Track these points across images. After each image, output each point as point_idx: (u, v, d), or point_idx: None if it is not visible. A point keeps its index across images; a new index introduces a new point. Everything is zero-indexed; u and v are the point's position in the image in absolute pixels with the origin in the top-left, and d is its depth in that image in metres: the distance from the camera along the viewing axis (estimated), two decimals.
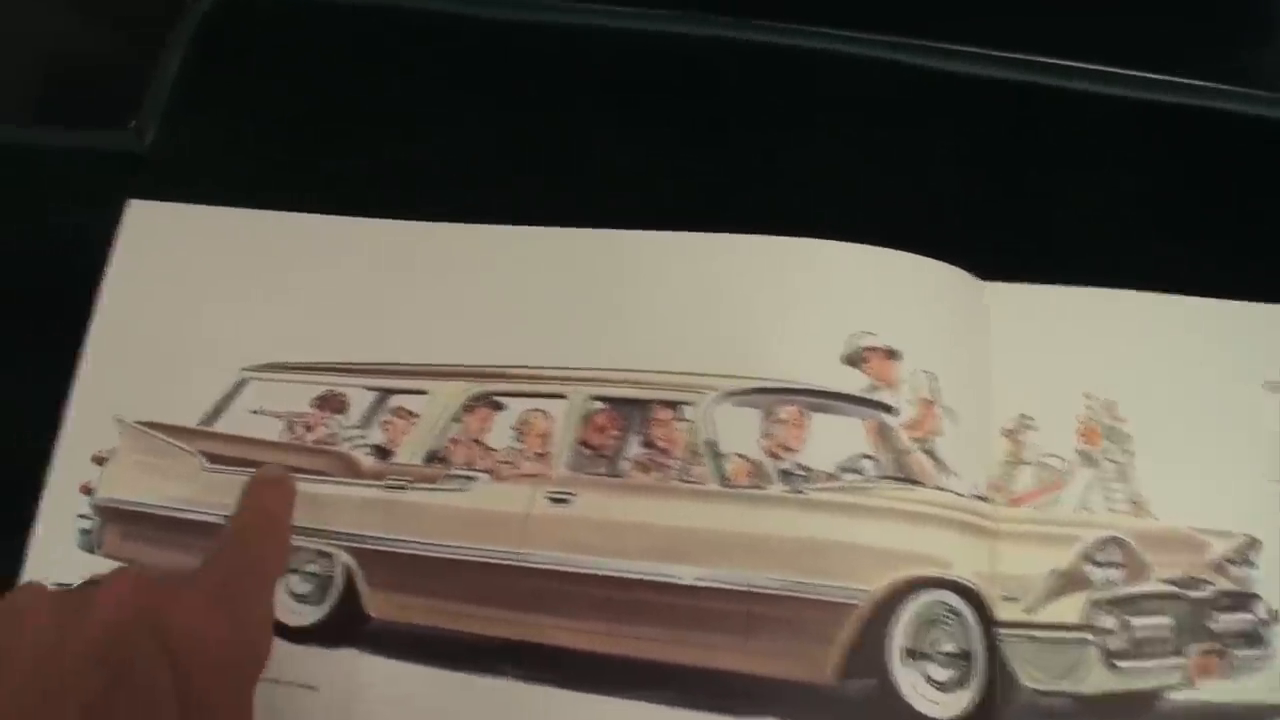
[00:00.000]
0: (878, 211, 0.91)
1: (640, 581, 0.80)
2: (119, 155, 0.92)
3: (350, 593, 0.83)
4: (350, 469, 0.84)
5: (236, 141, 0.93)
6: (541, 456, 0.83)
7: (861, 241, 0.87)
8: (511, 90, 0.94)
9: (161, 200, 0.92)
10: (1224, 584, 0.88)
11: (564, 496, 0.82)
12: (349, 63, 0.95)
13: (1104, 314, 0.89)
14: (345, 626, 0.82)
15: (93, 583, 0.65)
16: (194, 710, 0.62)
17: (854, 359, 0.83)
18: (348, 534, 0.83)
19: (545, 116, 0.93)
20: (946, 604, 0.82)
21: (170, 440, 0.85)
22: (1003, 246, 0.92)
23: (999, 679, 0.81)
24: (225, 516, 0.78)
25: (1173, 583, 0.87)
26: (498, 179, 0.91)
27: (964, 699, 0.81)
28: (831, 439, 0.83)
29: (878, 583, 0.80)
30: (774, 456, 0.83)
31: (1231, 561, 0.88)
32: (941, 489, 0.84)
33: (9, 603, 0.65)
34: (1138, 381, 0.89)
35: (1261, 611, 0.87)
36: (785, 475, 0.82)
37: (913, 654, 0.80)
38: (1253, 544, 0.87)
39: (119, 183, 0.90)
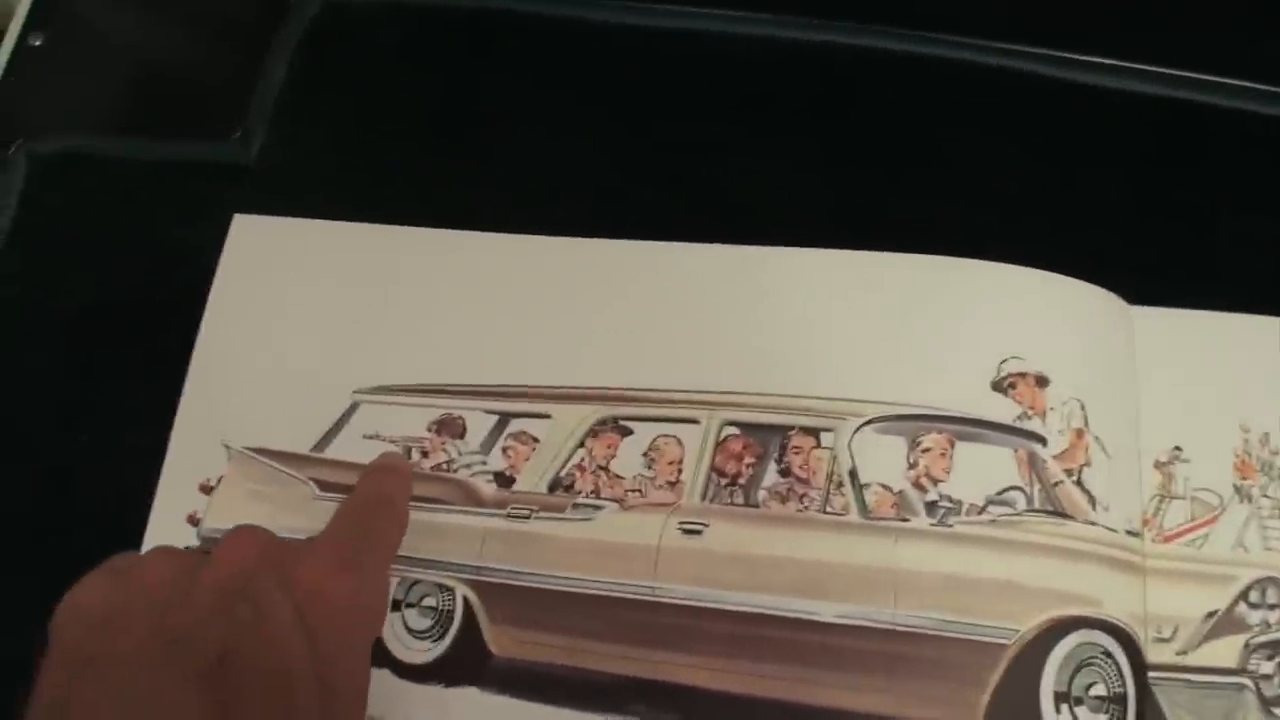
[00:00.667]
0: (1026, 231, 0.88)
1: (777, 618, 0.76)
2: (225, 167, 0.88)
3: (471, 628, 0.79)
4: (470, 497, 0.80)
5: (345, 152, 0.90)
6: (672, 485, 0.79)
7: (1008, 261, 0.82)
8: (636, 99, 0.90)
9: (268, 214, 0.87)
10: None
11: (696, 527, 0.78)
12: (461, 69, 0.91)
13: (1259, 342, 0.85)
14: (466, 664, 0.79)
15: (206, 550, 0.65)
16: (322, 661, 0.60)
17: (1003, 385, 0.79)
18: (468, 565, 0.79)
19: (672, 127, 0.90)
20: (1099, 645, 0.77)
21: (280, 467, 0.81)
22: (1152, 269, 0.88)
23: None
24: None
25: None
26: (624, 192, 0.87)
27: None
28: (979, 469, 0.79)
29: (1029, 622, 0.76)
30: (919, 487, 0.78)
31: None
32: (1093, 523, 0.79)
33: (128, 558, 0.64)
34: None
35: None
36: (931, 507, 0.78)
37: (1064, 697, 0.76)
38: None
39: (225, 196, 0.87)
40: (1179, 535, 0.82)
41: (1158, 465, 0.83)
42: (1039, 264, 0.84)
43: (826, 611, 0.76)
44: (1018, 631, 0.76)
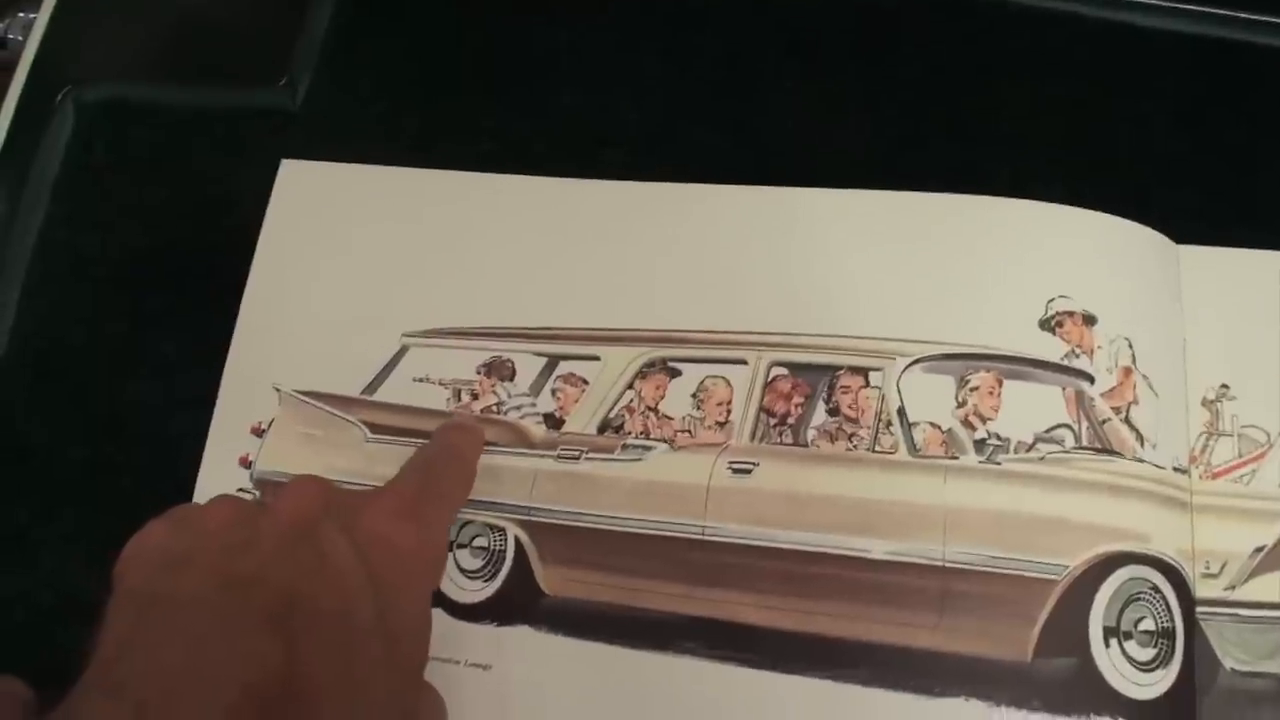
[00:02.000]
0: (1071, 170, 0.87)
1: (828, 556, 0.77)
2: (272, 113, 0.88)
3: (522, 568, 0.80)
4: (521, 439, 0.81)
5: (391, 96, 0.90)
6: (721, 425, 0.80)
7: (1053, 201, 0.82)
8: (683, 42, 0.90)
9: (315, 159, 0.87)
10: None
11: (746, 466, 0.79)
12: (506, 12, 0.90)
13: None
14: (518, 603, 0.79)
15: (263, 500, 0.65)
16: (384, 605, 0.61)
17: (1050, 324, 0.79)
18: (519, 506, 0.80)
19: (724, 68, 0.90)
20: (1147, 580, 0.78)
21: (331, 410, 0.82)
22: (1199, 209, 0.88)
23: (1199, 660, 0.77)
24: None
25: None
26: (673, 133, 0.87)
27: (1165, 679, 0.77)
28: (1028, 407, 0.80)
29: (1077, 557, 0.76)
30: (968, 425, 0.79)
31: None
32: (1141, 460, 0.80)
33: (190, 507, 0.65)
34: None
35: None
36: (980, 445, 0.78)
37: (1113, 632, 0.76)
38: None
39: (272, 142, 0.87)
40: (1226, 472, 0.82)
41: (1205, 403, 0.83)
42: (1085, 204, 0.84)
43: (877, 549, 0.77)
44: (1067, 567, 0.76)
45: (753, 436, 0.80)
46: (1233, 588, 0.79)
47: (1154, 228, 0.85)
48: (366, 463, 0.82)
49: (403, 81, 0.91)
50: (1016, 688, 0.75)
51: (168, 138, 0.90)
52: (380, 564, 0.63)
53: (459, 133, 0.88)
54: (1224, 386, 0.83)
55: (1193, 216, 0.86)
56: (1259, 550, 0.79)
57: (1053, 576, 0.76)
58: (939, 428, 0.79)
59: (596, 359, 0.82)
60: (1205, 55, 0.92)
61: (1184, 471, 0.80)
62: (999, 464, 0.78)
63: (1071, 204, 0.83)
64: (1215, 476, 0.82)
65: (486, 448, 0.81)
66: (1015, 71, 0.91)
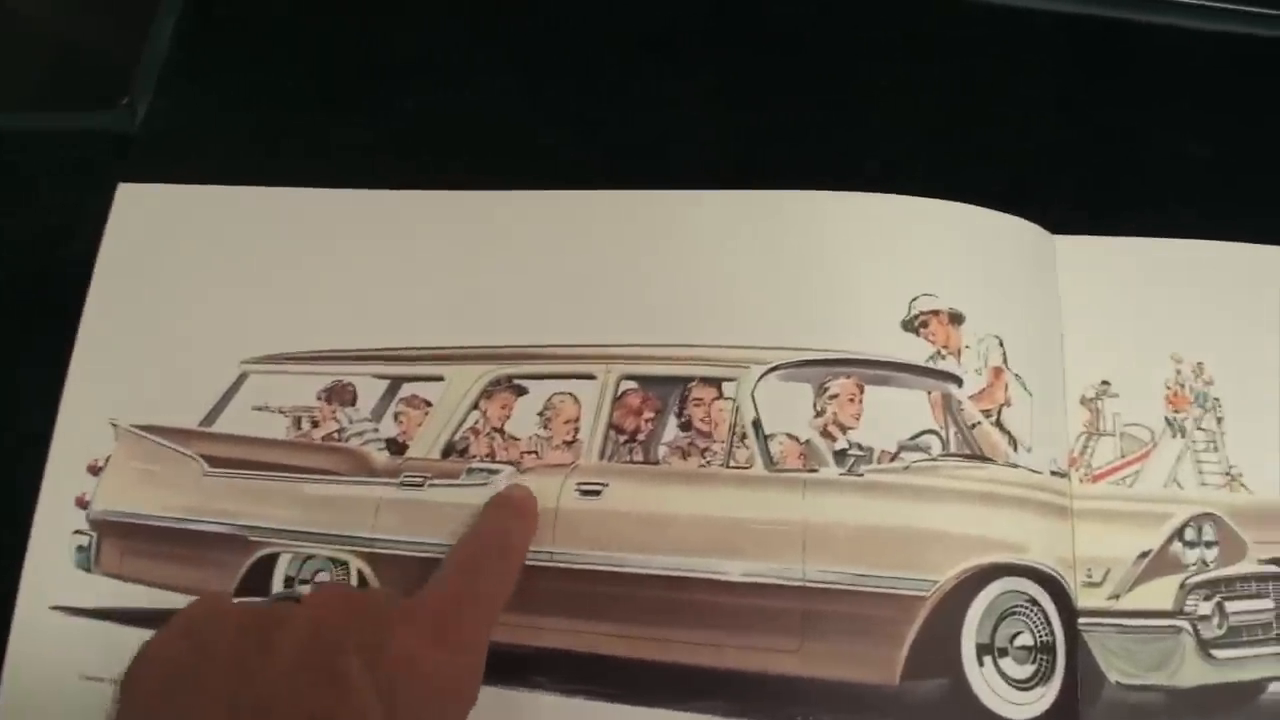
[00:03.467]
0: (943, 162, 0.84)
1: (682, 579, 0.73)
2: (110, 136, 0.84)
3: None
4: (362, 466, 0.77)
5: (235, 114, 0.87)
6: (570, 444, 0.76)
7: (923, 194, 0.78)
8: (538, 42, 0.86)
9: (156, 182, 0.84)
10: None
11: (595, 488, 0.74)
12: (348, 27, 0.86)
13: (1190, 267, 0.81)
14: None
15: (290, 597, 0.63)
16: None
17: (914, 324, 0.75)
18: (361, 538, 0.76)
19: (566, 70, 0.85)
20: (1024, 593, 0.74)
21: (167, 444, 0.78)
22: (1078, 197, 0.84)
23: (1082, 674, 0.73)
24: (232, 525, 0.73)
25: (1273, 562, 0.78)
26: (514, 140, 0.83)
27: (1045, 697, 0.73)
28: (891, 414, 0.76)
29: (947, 572, 0.72)
30: (828, 436, 0.74)
31: None
32: (1014, 465, 0.75)
33: (190, 617, 0.59)
34: (1229, 340, 0.81)
35: None
36: (841, 456, 0.74)
37: (987, 649, 0.72)
38: None
39: (111, 166, 0.84)
40: (1108, 474, 0.78)
41: (1084, 401, 0.78)
42: (958, 196, 0.79)
43: (733, 570, 0.73)
44: (936, 582, 0.72)
45: (602, 455, 0.76)
46: (1117, 596, 0.75)
47: (1030, 218, 0.80)
48: (205, 498, 0.78)
49: (244, 99, 0.87)
50: (885, 713, 0.72)
51: (2, 163, 0.85)
52: (408, 695, 0.58)
53: (303, 149, 0.84)
54: (1104, 383, 0.78)
55: (1071, 206, 0.83)
56: (1144, 555, 0.75)
57: (921, 593, 0.72)
58: (797, 439, 0.75)
59: (440, 379, 0.78)
60: (1086, 36, 0.89)
61: (1063, 475, 0.76)
62: (861, 475, 0.74)
63: (943, 197, 0.79)
64: (1097, 479, 0.78)
65: (328, 477, 0.77)
66: (885, 59, 0.87)
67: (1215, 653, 0.74)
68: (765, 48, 0.86)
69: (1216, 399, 0.79)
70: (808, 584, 0.72)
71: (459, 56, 0.86)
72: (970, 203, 0.79)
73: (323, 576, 0.77)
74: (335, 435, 0.78)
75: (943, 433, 0.76)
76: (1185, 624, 0.74)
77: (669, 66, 0.85)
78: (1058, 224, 0.80)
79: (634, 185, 0.79)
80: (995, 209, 0.79)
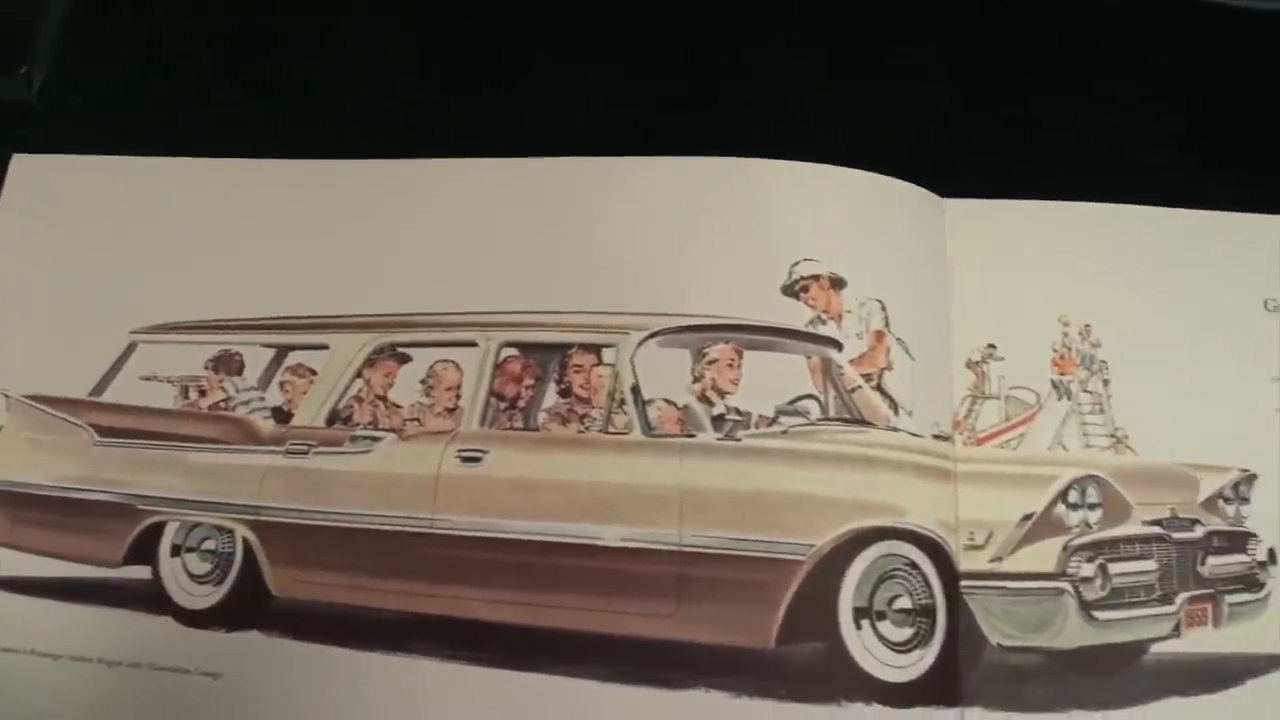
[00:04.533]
0: (835, 127, 0.83)
1: (560, 545, 0.73)
2: (7, 106, 0.84)
3: (251, 570, 0.76)
4: (248, 435, 0.77)
5: (134, 84, 0.87)
6: (451, 411, 0.76)
7: (811, 160, 0.77)
8: (436, 9, 0.85)
9: (54, 153, 0.84)
10: (1215, 523, 0.80)
11: (475, 454, 0.75)
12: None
13: (1079, 229, 0.81)
14: (247, 607, 0.76)
15: None
16: None
17: (794, 289, 0.75)
18: (247, 506, 0.76)
19: (471, 37, 0.85)
20: (903, 556, 0.74)
21: (57, 414, 0.78)
22: (970, 160, 0.83)
23: (963, 636, 0.73)
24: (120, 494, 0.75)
25: (1157, 524, 0.78)
26: (422, 107, 0.83)
27: (924, 659, 0.73)
28: (770, 379, 0.76)
29: (824, 536, 0.72)
30: (705, 401, 0.75)
31: (1224, 498, 0.80)
32: (895, 429, 0.75)
33: None
34: (1117, 302, 0.80)
35: (1259, 552, 0.78)
36: (719, 421, 0.74)
37: (865, 613, 0.72)
38: (1248, 478, 0.79)
39: (9, 136, 0.83)
40: (993, 437, 0.78)
41: (970, 364, 0.78)
42: (850, 162, 0.79)
43: (610, 535, 0.73)
44: (813, 546, 0.72)
45: (483, 422, 0.76)
46: (999, 559, 0.75)
47: (922, 182, 0.80)
48: (94, 467, 0.78)
49: (141, 70, 0.87)
50: (761, 676, 0.72)
51: None
52: None
53: (197, 119, 0.84)
54: (990, 346, 0.78)
55: (964, 170, 0.82)
56: (1027, 518, 0.75)
57: (797, 557, 0.72)
58: (675, 405, 0.75)
59: (325, 348, 0.78)
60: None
61: (946, 438, 0.76)
62: (738, 440, 0.74)
63: (833, 162, 0.79)
64: (981, 442, 0.78)
65: (216, 446, 0.78)
66: (778, 24, 0.86)
67: (1097, 614, 0.74)
68: (657, 15, 0.85)
69: (1104, 361, 0.78)
70: (684, 549, 0.72)
71: (356, 26, 0.86)
72: (860, 168, 0.78)
73: (209, 544, 0.77)
74: (222, 404, 0.79)
75: (822, 397, 0.76)
76: (1067, 586, 0.74)
77: (560, 35, 0.85)
78: (949, 188, 0.79)
79: (522, 153, 0.79)
80: (886, 174, 0.78)
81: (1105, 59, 0.87)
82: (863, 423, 0.76)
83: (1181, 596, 0.78)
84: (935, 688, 0.73)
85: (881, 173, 0.79)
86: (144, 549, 0.78)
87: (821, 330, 0.75)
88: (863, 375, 0.76)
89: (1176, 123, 0.86)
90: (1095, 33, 0.87)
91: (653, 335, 0.76)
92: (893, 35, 0.86)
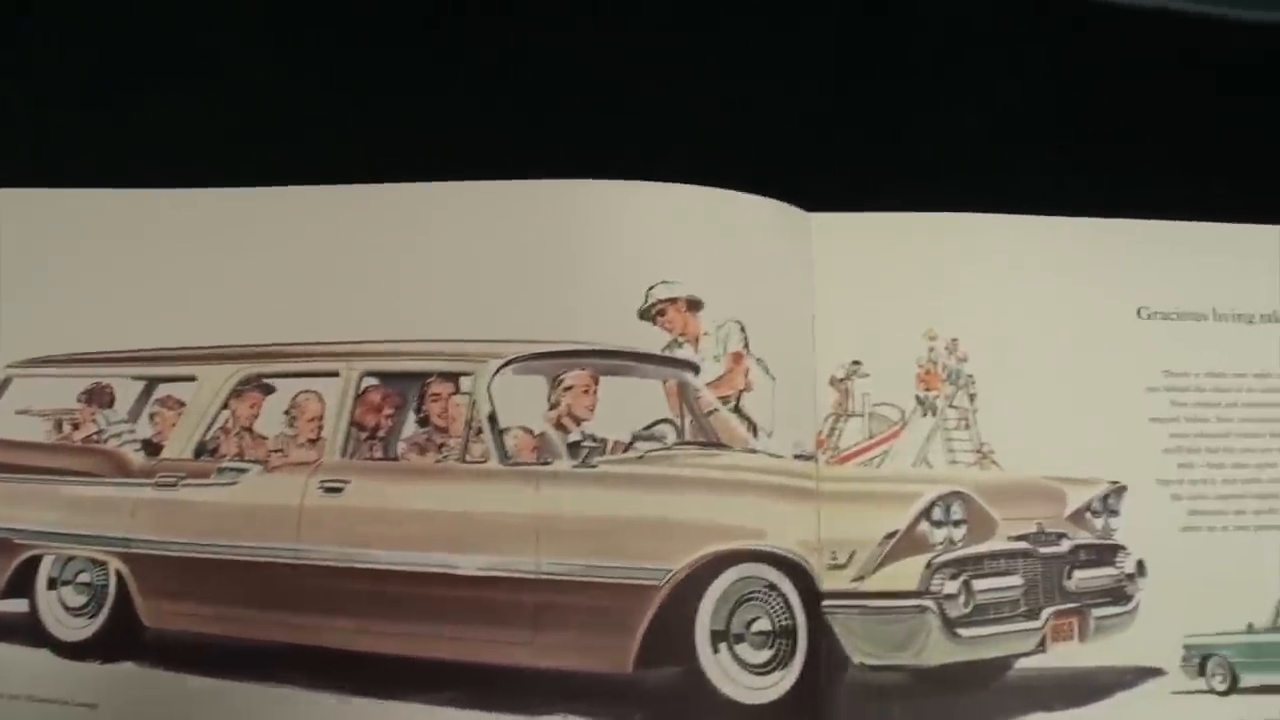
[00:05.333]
0: (699, 145, 0.82)
1: (419, 574, 0.73)
2: None
3: (124, 602, 0.77)
4: (119, 467, 0.78)
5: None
6: (314, 442, 0.77)
7: (670, 179, 0.77)
8: (291, 29, 0.85)
9: None
10: (1083, 536, 0.80)
11: (338, 485, 0.75)
12: (102, 24, 0.86)
13: (949, 240, 0.81)
14: (121, 639, 0.78)
15: None
16: None
17: (651, 313, 0.74)
18: (118, 538, 0.77)
19: (330, 65, 0.84)
20: (762, 578, 0.74)
21: None
22: (840, 173, 0.83)
23: (826, 656, 0.73)
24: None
25: (1023, 539, 0.78)
26: (275, 132, 0.82)
27: (784, 681, 0.74)
28: (626, 404, 0.76)
29: (680, 561, 0.72)
30: (561, 428, 0.75)
31: (1093, 511, 0.80)
32: (753, 451, 0.75)
33: None
34: (986, 315, 0.80)
35: (1127, 564, 0.78)
36: (574, 448, 0.74)
37: (722, 636, 0.73)
38: (1117, 490, 0.78)
39: None
40: (856, 455, 0.78)
41: (834, 382, 0.78)
42: (718, 180, 0.78)
43: (467, 564, 0.74)
44: (669, 571, 0.72)
45: (344, 452, 0.77)
46: (862, 578, 0.75)
47: (790, 197, 0.79)
48: None
49: (6, 98, 0.86)
50: (618, 702, 0.72)
51: None
52: None
53: (61, 149, 0.84)
54: (855, 363, 0.78)
55: (834, 182, 0.81)
56: (890, 536, 0.75)
57: (653, 582, 0.72)
58: (531, 432, 0.75)
59: (193, 379, 0.79)
60: (853, 6, 0.86)
61: (809, 458, 0.76)
62: (594, 467, 0.75)
63: (701, 181, 0.78)
64: (844, 460, 0.78)
65: (88, 479, 0.79)
66: (648, 41, 0.86)
67: (961, 631, 0.75)
68: (517, 36, 0.84)
69: (970, 375, 0.78)
70: (540, 576, 0.72)
71: (207, 53, 0.85)
72: (726, 185, 0.77)
73: (84, 577, 0.79)
74: (94, 437, 0.79)
75: (678, 421, 0.76)
76: (931, 603, 0.74)
77: (418, 60, 0.84)
78: (818, 201, 0.78)
79: (381, 179, 0.78)
80: (752, 190, 0.77)
81: (979, 64, 0.85)
82: (719, 446, 0.76)
83: (1047, 611, 0.78)
84: (796, 709, 0.73)
85: (748, 189, 0.77)
86: (21, 582, 0.79)
87: (678, 353, 0.75)
88: (721, 397, 0.76)
89: (1051, 128, 0.85)
90: (969, 38, 0.85)
91: (509, 363, 0.76)
92: (761, 45, 0.85)
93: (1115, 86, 0.85)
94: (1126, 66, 0.86)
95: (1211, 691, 0.77)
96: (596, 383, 0.75)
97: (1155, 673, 0.77)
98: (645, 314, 0.76)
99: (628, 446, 0.75)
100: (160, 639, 0.77)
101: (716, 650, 0.72)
